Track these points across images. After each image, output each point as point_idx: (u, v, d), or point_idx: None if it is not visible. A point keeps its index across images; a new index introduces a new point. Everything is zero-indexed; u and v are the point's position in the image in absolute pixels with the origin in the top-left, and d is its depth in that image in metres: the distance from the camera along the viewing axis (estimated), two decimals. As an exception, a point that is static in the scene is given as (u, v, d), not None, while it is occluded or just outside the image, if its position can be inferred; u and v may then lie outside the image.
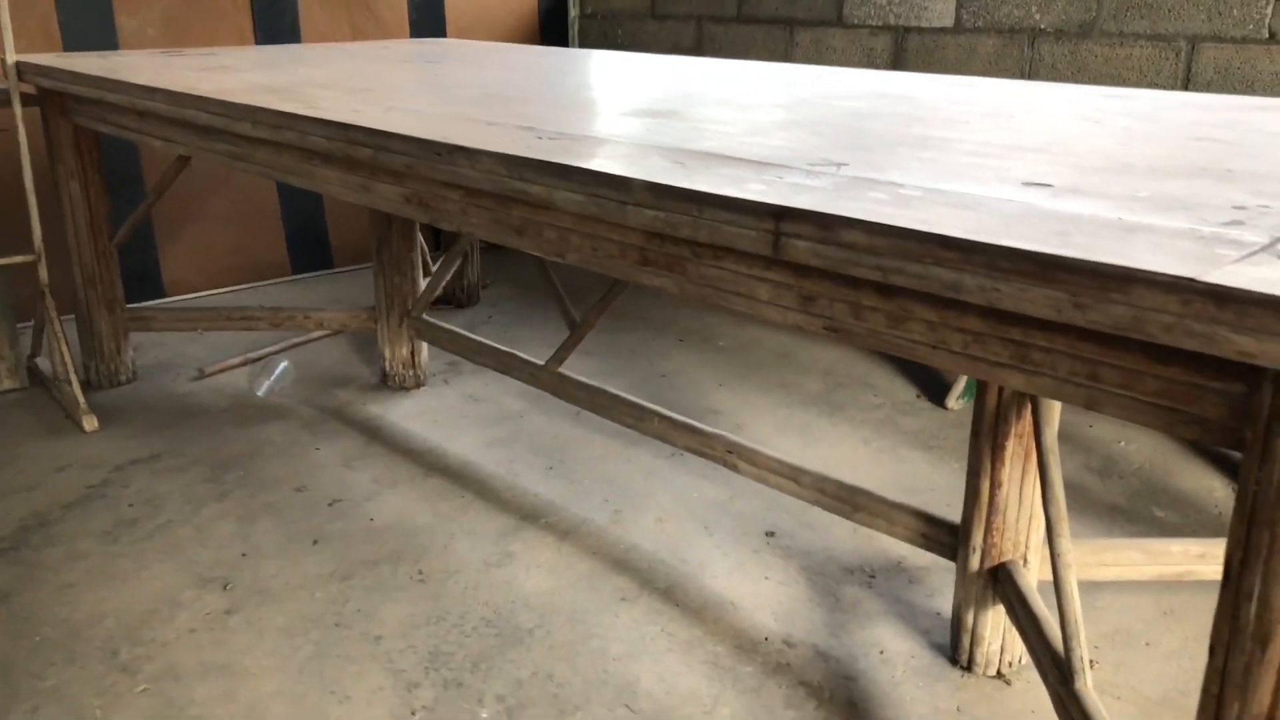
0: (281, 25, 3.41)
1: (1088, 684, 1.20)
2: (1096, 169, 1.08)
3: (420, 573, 1.78)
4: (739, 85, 1.89)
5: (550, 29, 4.07)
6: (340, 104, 1.57)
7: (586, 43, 4.13)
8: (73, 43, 3.01)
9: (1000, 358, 0.86)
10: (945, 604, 1.67)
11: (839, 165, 1.10)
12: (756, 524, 1.95)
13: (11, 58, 2.27)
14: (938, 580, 1.75)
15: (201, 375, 2.65)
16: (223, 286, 3.39)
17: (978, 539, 1.47)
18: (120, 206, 2.89)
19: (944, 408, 2.48)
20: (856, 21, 3.22)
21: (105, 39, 3.08)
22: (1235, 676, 0.76)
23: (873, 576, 1.78)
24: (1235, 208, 0.90)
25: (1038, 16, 2.83)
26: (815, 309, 0.99)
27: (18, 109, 2.30)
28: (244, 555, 1.84)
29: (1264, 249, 0.75)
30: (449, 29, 3.81)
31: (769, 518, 1.97)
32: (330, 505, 2.01)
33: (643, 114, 1.50)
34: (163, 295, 3.29)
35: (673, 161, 1.12)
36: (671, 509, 2.00)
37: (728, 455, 1.82)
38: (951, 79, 2.03)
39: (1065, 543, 1.28)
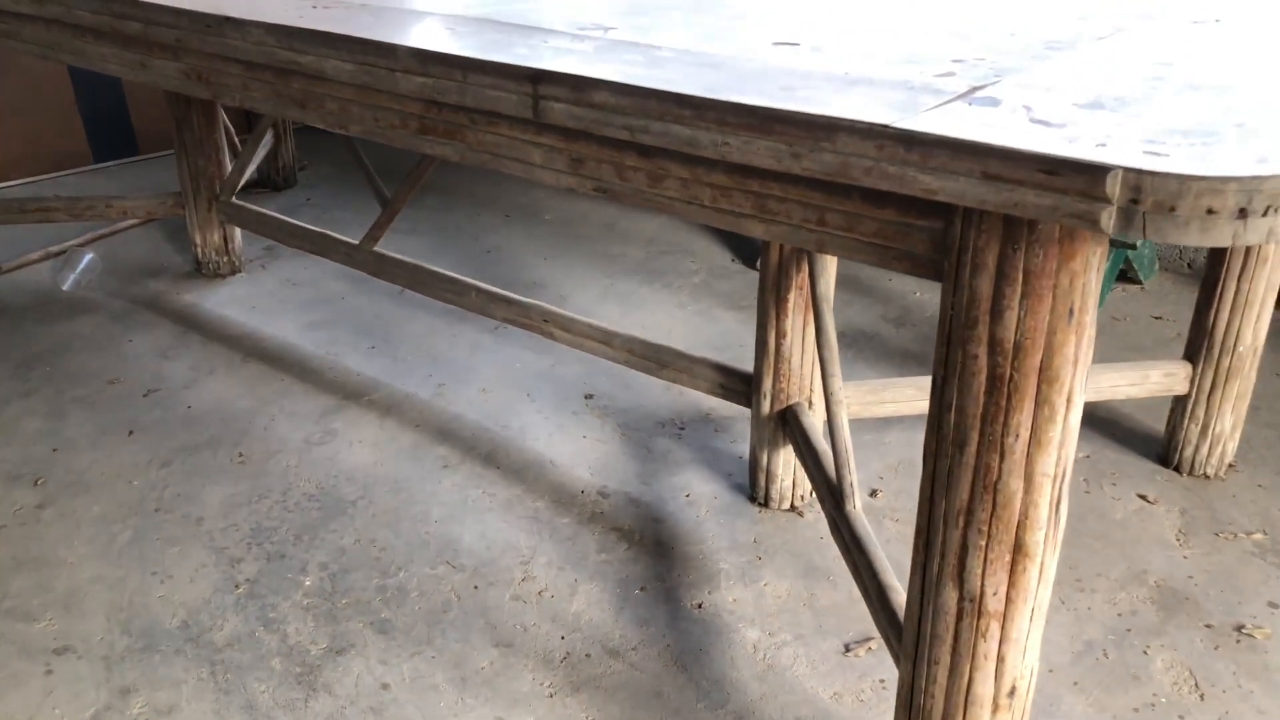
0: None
1: (856, 507, 1.33)
2: (848, 30, 1.15)
3: (241, 455, 1.79)
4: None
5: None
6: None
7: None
8: None
9: (744, 209, 0.93)
10: (746, 449, 1.80)
11: (606, 29, 1.13)
12: (577, 388, 2.03)
13: None
14: (740, 428, 1.87)
15: (0, 271, 2.52)
16: (16, 179, 3.19)
17: (767, 385, 1.58)
18: None
19: (755, 269, 2.59)
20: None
21: None
22: (941, 477, 0.88)
23: (682, 428, 1.89)
24: (954, 60, 0.98)
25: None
26: (585, 170, 1.03)
27: None
28: (55, 450, 1.80)
29: (959, 97, 0.83)
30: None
31: (589, 382, 2.05)
32: (145, 395, 1.98)
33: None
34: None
35: (444, 27, 1.13)
36: (495, 379, 2.06)
37: (544, 324, 1.88)
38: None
39: (836, 382, 1.40)
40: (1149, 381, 1.70)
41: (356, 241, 2.14)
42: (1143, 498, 1.69)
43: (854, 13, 1.26)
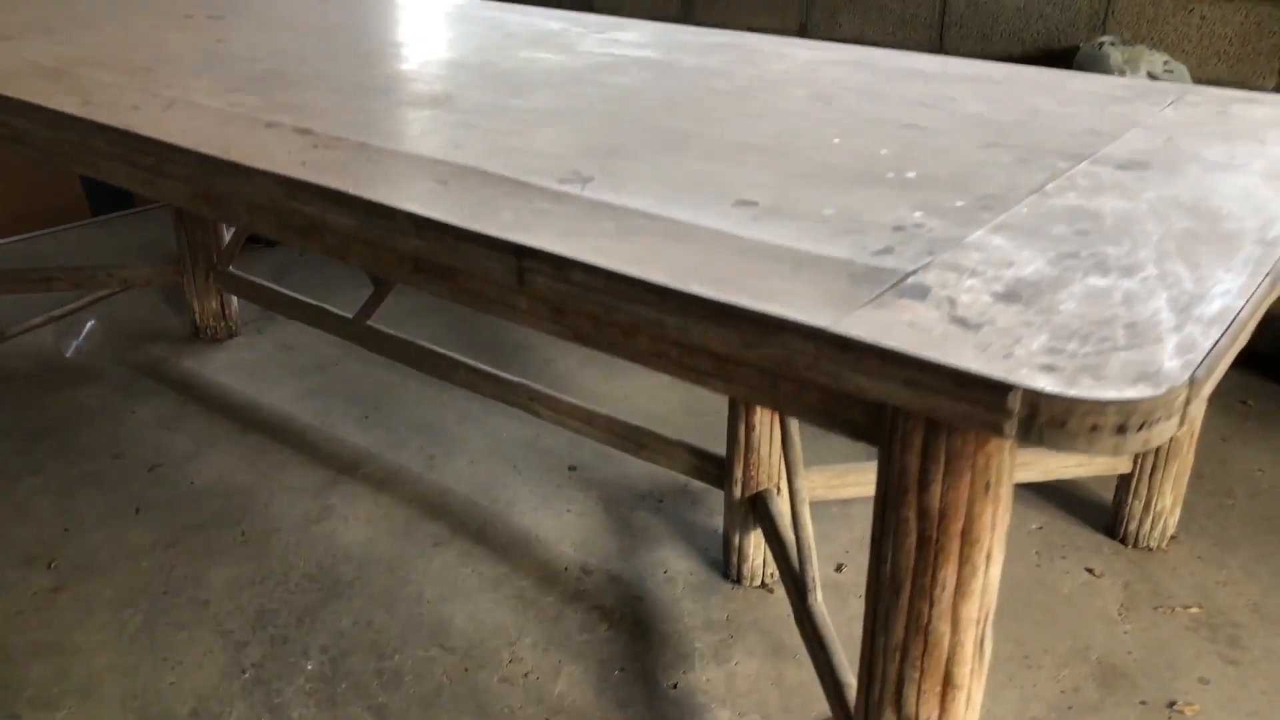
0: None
1: (818, 600, 1.44)
2: (803, 175, 1.26)
3: (243, 534, 1.90)
4: (521, 51, 1.99)
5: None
6: (119, 94, 1.60)
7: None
8: None
9: (707, 369, 1.04)
10: (721, 523, 1.91)
11: (585, 181, 1.24)
12: (561, 459, 2.14)
13: None
14: (715, 501, 1.98)
15: (3, 338, 2.61)
16: (14, 235, 3.28)
17: (738, 473, 1.69)
18: None
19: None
20: (649, -54, 3.30)
21: None
22: (880, 618, 0.99)
23: (661, 501, 2.00)
24: (895, 229, 1.09)
25: (814, -52, 2.97)
26: (565, 320, 1.14)
27: None
28: (66, 530, 1.90)
29: (892, 288, 0.95)
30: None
31: (573, 453, 2.16)
32: (150, 470, 2.08)
33: (418, 103, 1.59)
34: None
35: (436, 180, 1.24)
36: (483, 450, 2.17)
37: (530, 402, 1.99)
38: (724, 37, 2.17)
39: (799, 480, 1.51)
40: (1094, 463, 1.82)
41: (350, 315, 2.24)
42: (1090, 571, 1.80)
43: (811, 145, 1.36)
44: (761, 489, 1.70)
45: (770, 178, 1.26)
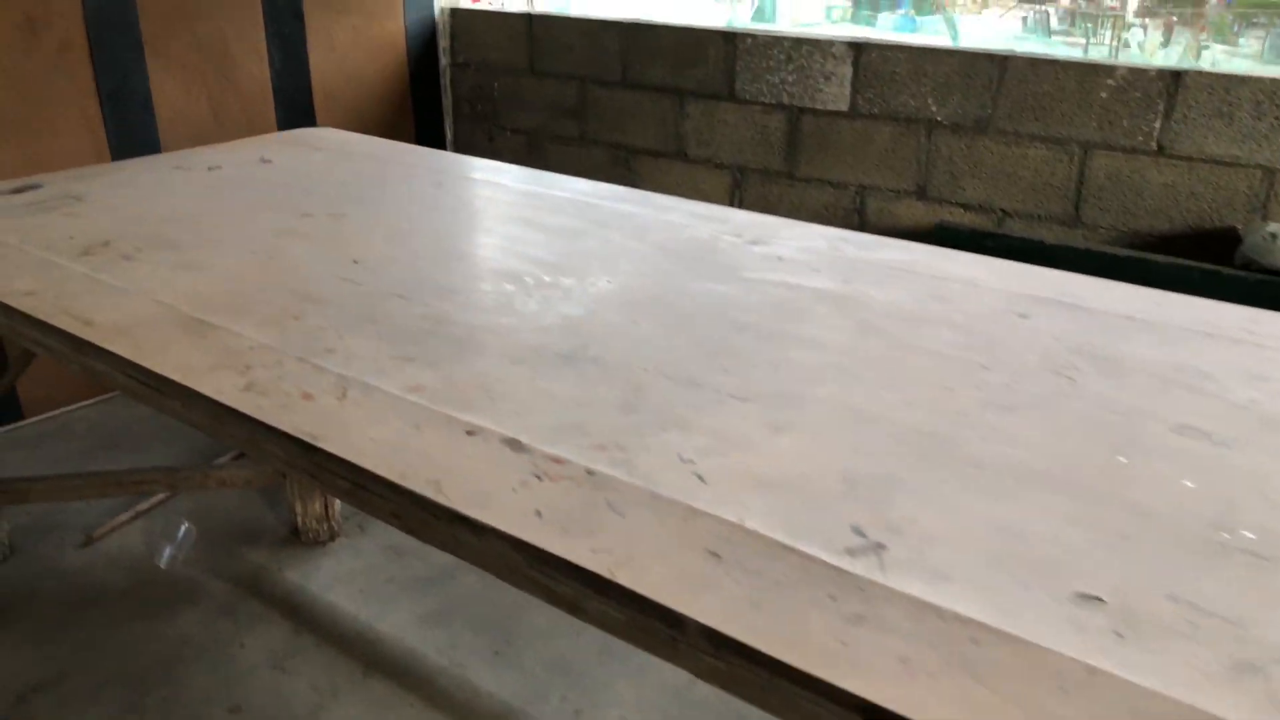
0: (132, 106, 3.11)
1: None
2: (1121, 534, 1.08)
3: (388, 826, 1.71)
4: (686, 280, 1.83)
5: (421, 79, 3.87)
6: (279, 369, 1.43)
7: (460, 94, 3.95)
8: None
9: None
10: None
11: (877, 550, 1.07)
12: (725, 715, 1.95)
13: None
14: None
15: (89, 540, 2.44)
16: (91, 397, 3.13)
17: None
18: None
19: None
20: (749, 97, 3.18)
21: (-70, 144, 2.74)
22: None
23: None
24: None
25: (934, 108, 2.85)
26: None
27: None
28: (190, 820, 1.72)
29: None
30: (314, 88, 3.57)
31: (733, 705, 1.97)
32: (271, 730, 1.90)
33: (610, 376, 1.43)
34: (21, 418, 3.01)
35: (707, 552, 1.07)
36: (633, 702, 1.97)
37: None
38: (891, 250, 2.00)
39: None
40: None
41: (478, 540, 2.07)
42: None
43: (1100, 471, 1.17)
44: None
45: (1087, 537, 1.08)
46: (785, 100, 3.11)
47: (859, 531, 1.08)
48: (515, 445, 1.25)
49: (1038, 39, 3.77)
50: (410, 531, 1.21)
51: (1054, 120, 2.67)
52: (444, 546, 1.18)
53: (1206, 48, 3.17)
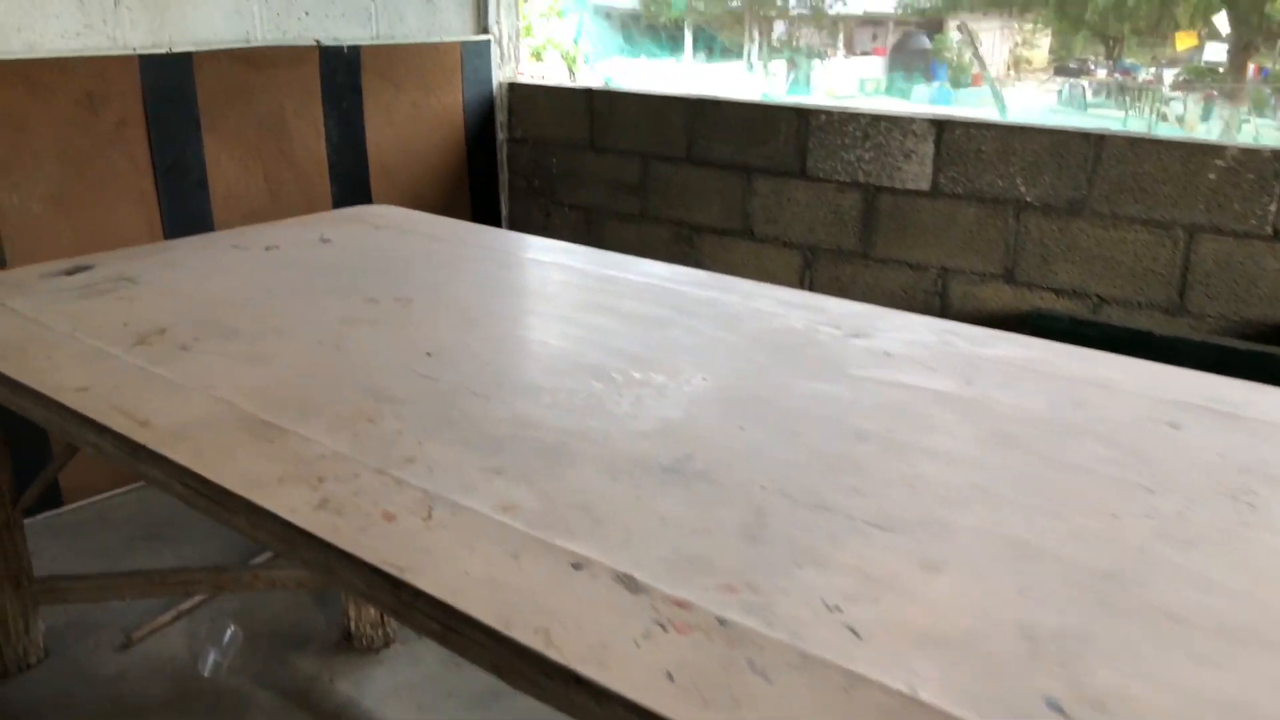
0: (187, 182, 3.03)
1: None
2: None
3: None
4: (787, 377, 1.67)
5: (477, 154, 3.79)
6: (356, 481, 1.29)
7: (516, 169, 3.86)
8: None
9: None
10: None
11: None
12: None
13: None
14: None
15: (129, 642, 2.29)
16: (132, 483, 3.00)
17: None
18: (22, 451, 2.39)
19: None
20: (822, 175, 3.06)
21: (-18, 220, 2.66)
22: None
23: None
24: None
25: (1023, 188, 2.71)
26: None
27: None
28: None
29: None
30: (370, 163, 3.49)
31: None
32: None
33: (729, 497, 1.26)
34: (59, 504, 2.88)
35: None
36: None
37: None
38: (1005, 345, 1.83)
39: None
40: None
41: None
42: None
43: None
44: None
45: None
46: (861, 178, 2.98)
47: (1057, 707, 0.90)
48: (630, 583, 1.09)
49: (1074, 111, 3.67)
50: (515, 686, 1.04)
51: (1156, 202, 2.51)
52: (557, 707, 1.01)
53: (1246, 121, 3.04)
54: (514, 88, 3.80)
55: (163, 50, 2.94)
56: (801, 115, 3.08)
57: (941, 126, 2.82)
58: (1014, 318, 2.77)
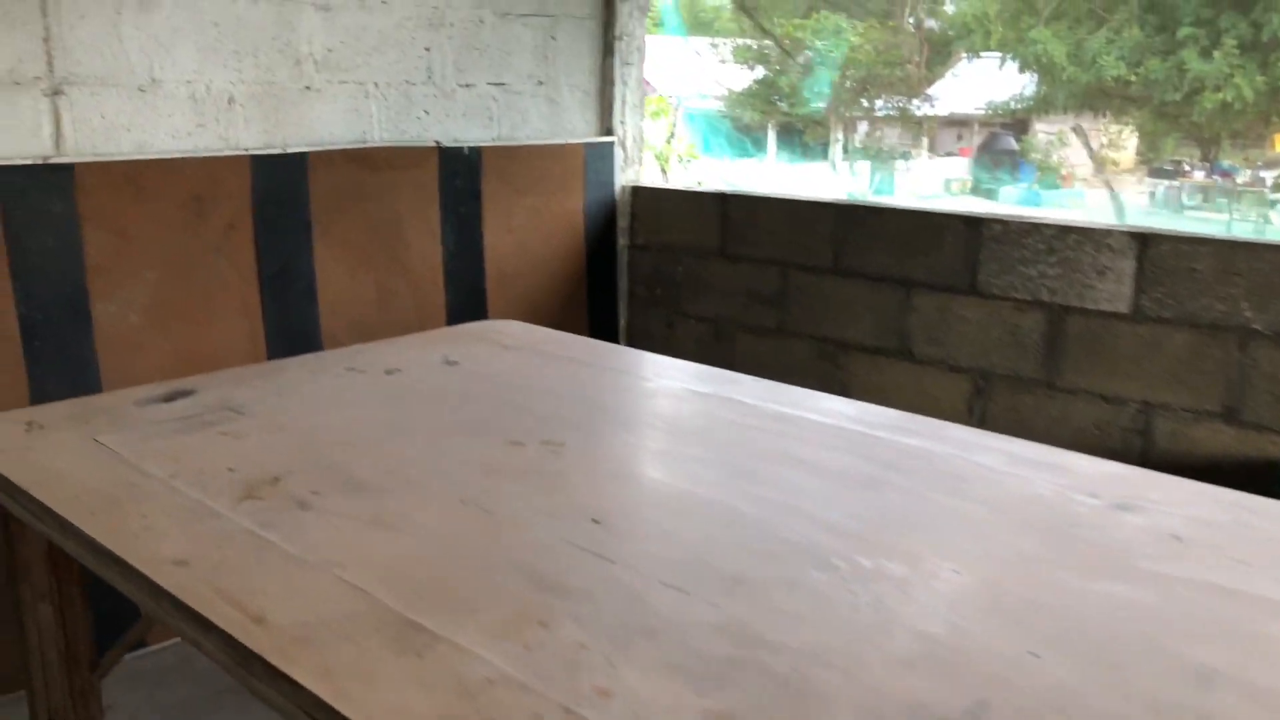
0: (294, 291, 2.80)
1: None
2: None
3: None
4: (890, 498, 1.31)
5: (598, 261, 3.53)
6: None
7: (638, 277, 3.58)
8: (37, 337, 2.37)
9: None
10: None
11: None
12: None
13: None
14: None
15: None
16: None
17: None
18: (103, 614, 2.03)
19: None
20: (996, 292, 2.71)
21: (79, 330, 2.44)
22: None
23: None
24: None
25: (1249, 313, 2.32)
26: None
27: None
28: None
29: None
30: (488, 268, 3.23)
31: None
32: None
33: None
34: (143, 644, 2.58)
35: None
36: None
37: None
38: (1207, 507, 1.45)
39: None
40: None
41: None
42: None
43: None
44: None
45: None
46: (1045, 297, 2.63)
47: None
48: None
49: (1170, 213, 3.33)
50: None
51: None
52: None
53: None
54: (638, 191, 3.55)
55: (276, 150, 2.74)
56: (971, 224, 2.75)
57: (1145, 240, 2.46)
58: (1239, 466, 2.36)
